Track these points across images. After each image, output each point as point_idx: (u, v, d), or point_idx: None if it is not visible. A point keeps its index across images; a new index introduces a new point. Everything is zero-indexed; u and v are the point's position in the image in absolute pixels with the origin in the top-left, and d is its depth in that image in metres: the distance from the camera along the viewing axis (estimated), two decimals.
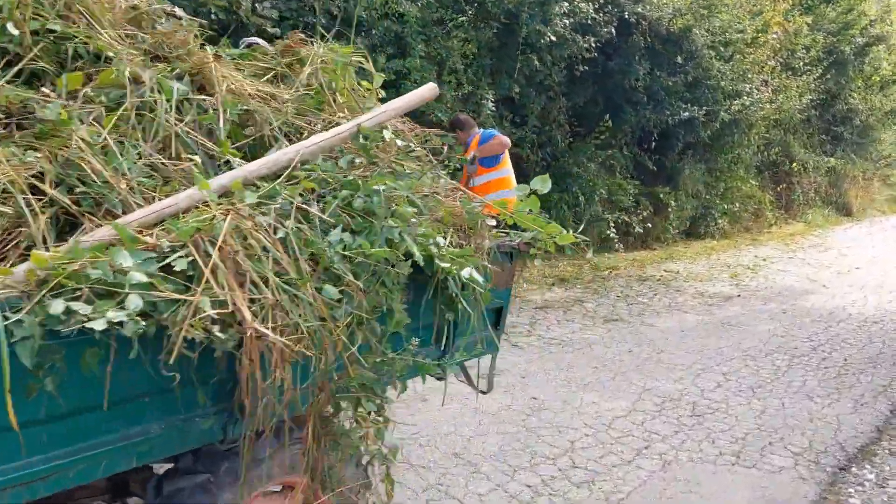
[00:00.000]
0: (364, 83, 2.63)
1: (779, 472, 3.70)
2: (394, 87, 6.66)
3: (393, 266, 1.93)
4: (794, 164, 15.65)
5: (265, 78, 2.45)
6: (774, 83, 13.71)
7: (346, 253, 1.85)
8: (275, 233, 1.77)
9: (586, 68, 9.26)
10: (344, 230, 1.91)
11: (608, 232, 10.04)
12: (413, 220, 2.08)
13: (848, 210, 17.97)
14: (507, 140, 5.33)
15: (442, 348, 2.32)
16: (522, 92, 8.83)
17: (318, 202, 1.97)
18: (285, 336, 1.64)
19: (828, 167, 17.04)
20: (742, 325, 6.74)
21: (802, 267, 10.04)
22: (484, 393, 2.85)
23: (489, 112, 7.75)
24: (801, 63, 14.76)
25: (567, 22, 8.26)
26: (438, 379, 2.51)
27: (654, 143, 11.14)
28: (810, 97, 14.59)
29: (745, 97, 11.89)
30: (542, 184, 2.56)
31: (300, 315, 1.69)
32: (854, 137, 18.18)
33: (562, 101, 9.39)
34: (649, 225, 11.15)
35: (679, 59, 10.70)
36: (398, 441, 2.25)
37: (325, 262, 1.81)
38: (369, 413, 2.04)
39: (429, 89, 2.68)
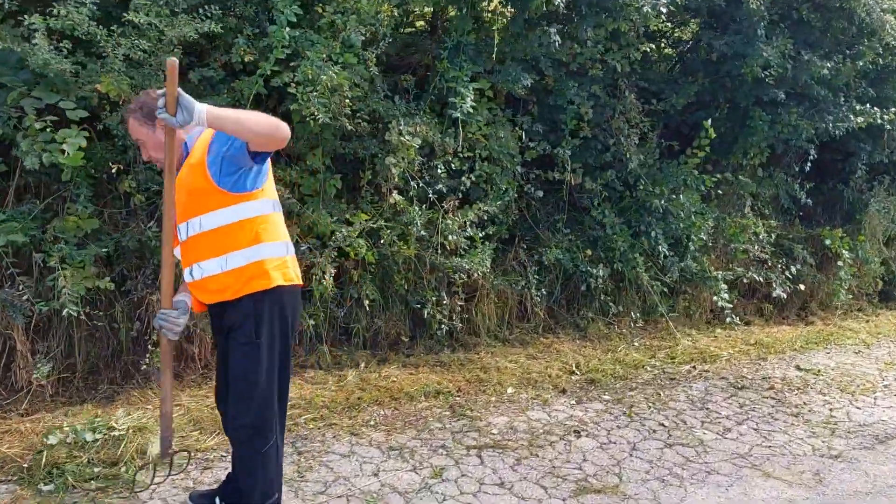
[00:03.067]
0: None
1: None
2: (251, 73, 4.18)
3: None
4: None
5: None
6: None
7: None
8: None
9: (671, 51, 6.09)
10: None
11: (717, 298, 6.58)
12: None
13: None
14: (283, 127, 2.49)
15: None
16: (558, 87, 5.88)
17: None
18: None
19: None
20: None
21: None
22: None
23: (461, 113, 4.94)
24: None
25: None
26: None
27: (808, 165, 7.43)
28: None
29: None
30: None
31: None
32: None
33: (629, 99, 6.22)
34: (801, 286, 7.40)
35: (846, 34, 7.00)
36: None
37: None
38: None
39: None
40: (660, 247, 6.24)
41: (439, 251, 5.25)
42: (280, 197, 4.45)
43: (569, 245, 6.17)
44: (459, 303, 5.46)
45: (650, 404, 4.70)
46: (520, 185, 5.93)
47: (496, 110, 5.64)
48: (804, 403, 4.86)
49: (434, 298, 5.35)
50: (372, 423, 4.13)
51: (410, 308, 5.46)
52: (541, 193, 6.04)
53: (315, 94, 3.93)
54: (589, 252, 6.23)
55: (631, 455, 3.91)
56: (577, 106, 5.89)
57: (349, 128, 4.38)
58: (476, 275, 5.38)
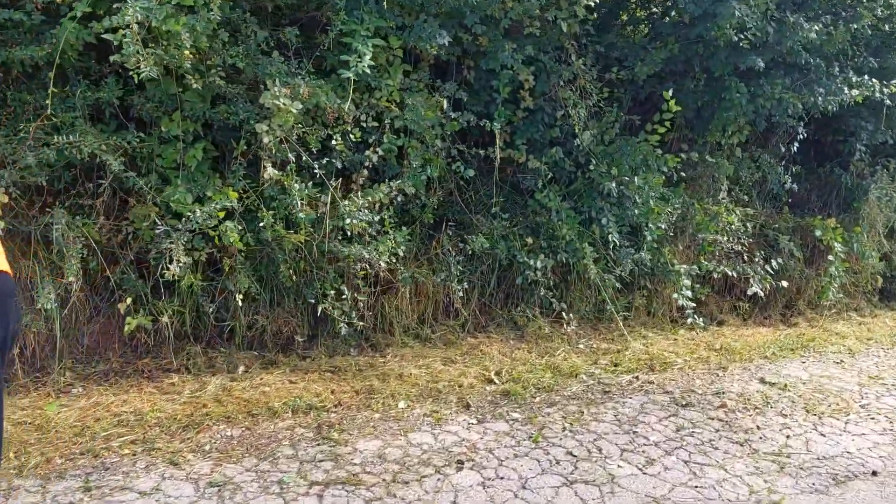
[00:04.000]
0: None
1: None
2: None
3: None
4: None
5: None
6: None
7: None
8: None
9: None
10: None
11: (678, 295, 5.74)
12: None
13: None
14: None
15: None
16: (491, 48, 5.06)
17: None
18: None
19: None
20: None
21: None
22: None
23: (355, 74, 4.14)
24: None
25: None
26: None
27: (796, 145, 6.54)
28: None
29: None
30: None
31: None
32: None
33: (577, 65, 5.37)
34: (784, 283, 6.54)
35: None
36: None
37: None
38: None
39: None
40: (610, 235, 5.42)
41: (335, 237, 4.49)
42: (111, 169, 3.73)
43: (505, 232, 5.37)
44: (361, 298, 4.69)
45: (567, 425, 3.91)
46: (448, 163, 5.15)
47: (416, 74, 4.85)
48: (757, 428, 4.04)
49: (333, 292, 4.59)
50: (207, 447, 3.40)
51: (308, 303, 4.71)
52: (472, 172, 5.23)
53: (128, 40, 3.16)
54: (530, 240, 5.43)
55: (516, 496, 3.13)
56: (514, 71, 5.07)
57: (194, 86, 3.60)
58: (382, 265, 4.61)
